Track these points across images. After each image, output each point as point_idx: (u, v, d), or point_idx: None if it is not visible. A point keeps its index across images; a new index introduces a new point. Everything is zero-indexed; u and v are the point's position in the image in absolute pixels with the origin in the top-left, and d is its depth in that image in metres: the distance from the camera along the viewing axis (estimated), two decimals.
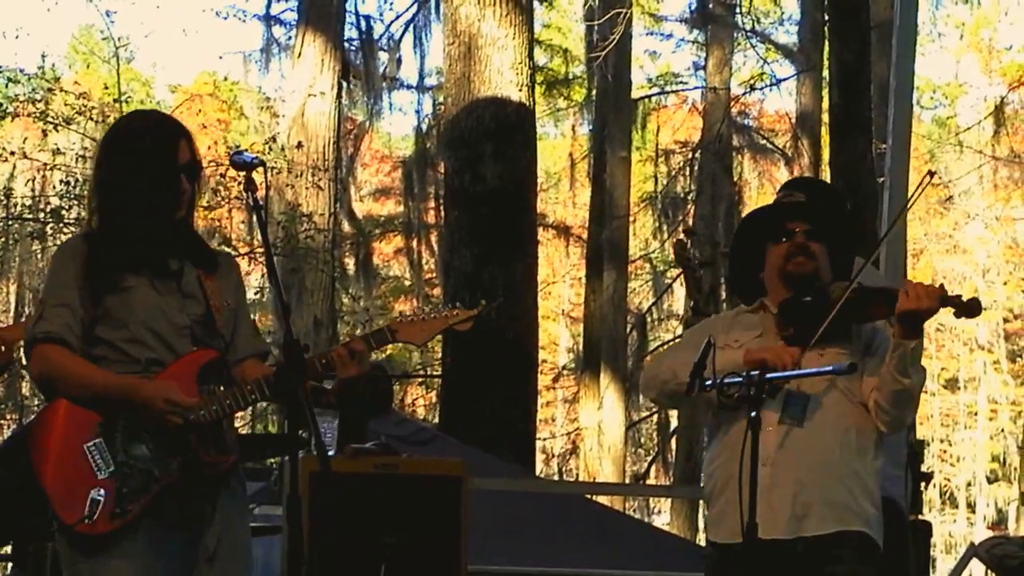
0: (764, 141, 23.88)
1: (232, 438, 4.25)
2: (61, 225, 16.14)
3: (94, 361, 4.07)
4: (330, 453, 6.35)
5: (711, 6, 21.34)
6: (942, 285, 4.20)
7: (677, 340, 4.85)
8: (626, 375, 21.42)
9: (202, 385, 4.09)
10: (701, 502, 20.18)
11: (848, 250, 4.65)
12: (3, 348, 4.74)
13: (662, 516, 26.55)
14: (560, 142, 32.58)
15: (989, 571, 8.01)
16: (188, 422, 3.96)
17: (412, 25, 19.69)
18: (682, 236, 6.23)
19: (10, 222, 16.96)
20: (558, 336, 35.24)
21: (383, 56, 19.93)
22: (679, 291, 25.11)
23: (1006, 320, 38.15)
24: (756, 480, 3.94)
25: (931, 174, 4.56)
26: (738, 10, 21.17)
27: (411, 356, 23.48)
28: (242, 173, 4.03)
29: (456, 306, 4.34)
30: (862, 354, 4.37)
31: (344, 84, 17.49)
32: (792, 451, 4.23)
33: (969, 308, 4.15)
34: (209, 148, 18.98)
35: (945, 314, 4.19)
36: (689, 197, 22.15)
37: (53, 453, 3.99)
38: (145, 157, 4.11)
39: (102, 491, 3.93)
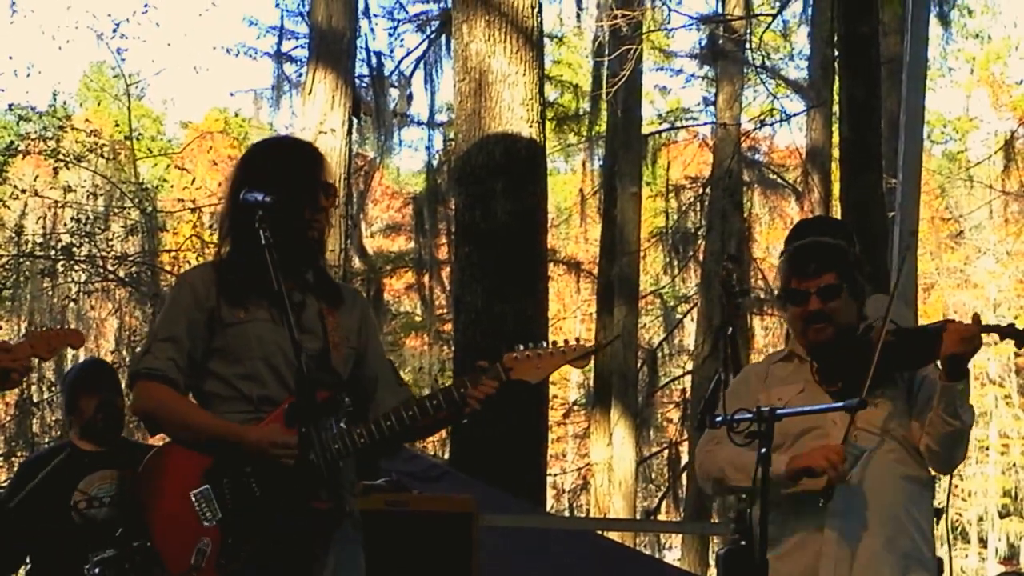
0: (775, 176, 23.82)
1: (352, 479, 4.14)
2: (72, 263, 16.15)
3: (205, 397, 4.01)
4: None
5: (721, 42, 21.35)
6: (977, 316, 4.14)
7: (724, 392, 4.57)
8: (637, 410, 21.36)
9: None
10: (712, 538, 20.18)
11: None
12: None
13: (673, 552, 26.43)
14: (571, 177, 32.59)
15: None
16: (306, 460, 3.78)
17: (423, 62, 19.78)
18: (727, 263, 6.17)
19: (21, 259, 16.96)
20: (568, 371, 35.18)
21: (394, 92, 19.98)
22: (689, 326, 25.08)
23: (1017, 354, 38.01)
24: (767, 519, 3.87)
25: None
26: (748, 46, 21.17)
27: (420, 393, 23.40)
28: None
29: (577, 340, 4.17)
30: (906, 395, 4.33)
31: (355, 121, 17.49)
32: (857, 506, 4.19)
33: (1014, 333, 4.10)
34: (220, 185, 19.03)
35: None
36: (700, 232, 22.12)
37: (161, 500, 3.92)
38: (288, 180, 4.01)
39: (207, 540, 3.85)
